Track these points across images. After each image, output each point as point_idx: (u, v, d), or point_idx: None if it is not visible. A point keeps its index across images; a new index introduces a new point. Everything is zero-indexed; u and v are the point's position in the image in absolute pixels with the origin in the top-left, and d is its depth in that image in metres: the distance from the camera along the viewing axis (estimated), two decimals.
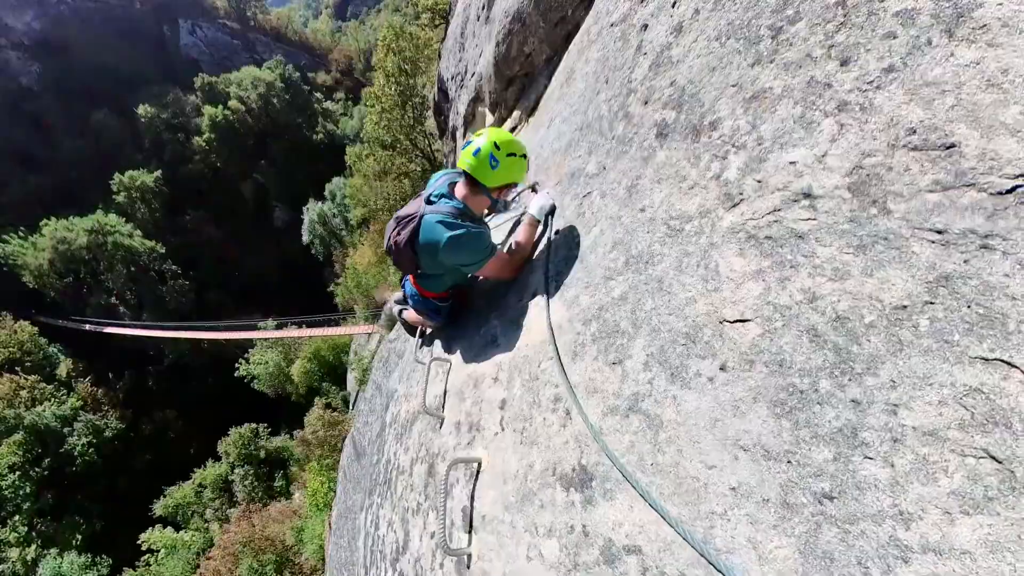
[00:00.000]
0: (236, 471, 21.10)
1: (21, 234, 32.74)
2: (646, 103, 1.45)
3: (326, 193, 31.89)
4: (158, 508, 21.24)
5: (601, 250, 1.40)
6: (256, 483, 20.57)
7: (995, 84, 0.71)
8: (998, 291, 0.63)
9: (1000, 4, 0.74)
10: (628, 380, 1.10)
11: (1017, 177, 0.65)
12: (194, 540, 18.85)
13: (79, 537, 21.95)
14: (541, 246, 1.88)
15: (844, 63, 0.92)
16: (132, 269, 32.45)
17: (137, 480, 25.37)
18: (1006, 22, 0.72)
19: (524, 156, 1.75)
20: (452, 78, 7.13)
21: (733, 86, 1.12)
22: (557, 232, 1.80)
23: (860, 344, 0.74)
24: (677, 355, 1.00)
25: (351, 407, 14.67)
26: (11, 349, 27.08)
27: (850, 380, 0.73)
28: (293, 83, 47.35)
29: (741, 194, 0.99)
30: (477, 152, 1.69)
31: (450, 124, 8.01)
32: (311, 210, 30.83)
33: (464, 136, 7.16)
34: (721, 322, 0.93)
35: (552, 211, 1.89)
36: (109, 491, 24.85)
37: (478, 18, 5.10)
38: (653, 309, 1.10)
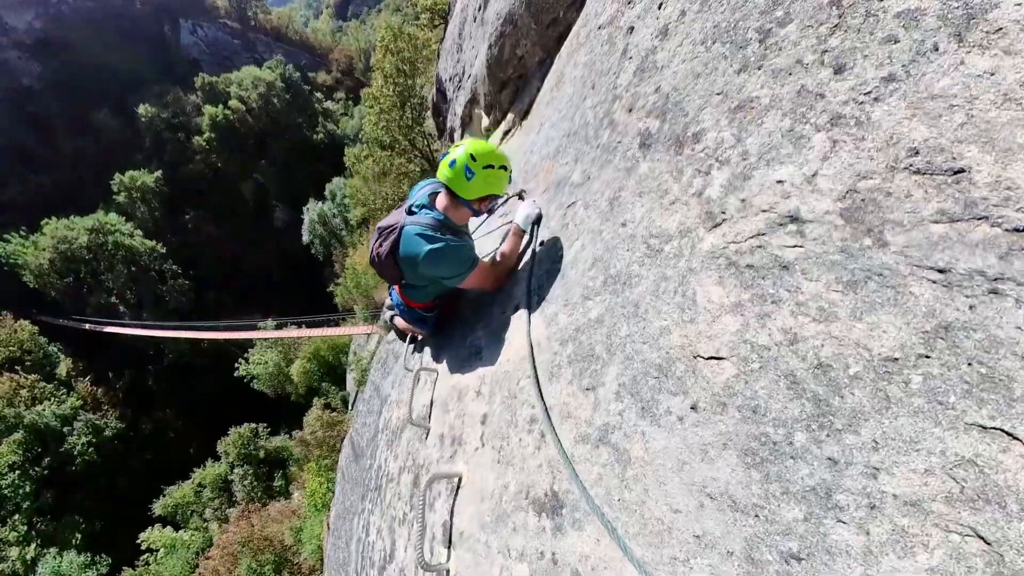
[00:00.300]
0: (235, 471, 21.12)
1: (22, 234, 32.78)
2: (630, 111, 1.38)
3: (326, 193, 31.86)
4: (157, 507, 21.28)
5: (581, 266, 1.34)
6: (255, 483, 20.59)
7: (1013, 99, 0.62)
8: (1006, 348, 0.55)
9: (1019, 4, 0.64)
10: (600, 409, 1.06)
11: None
12: (193, 540, 18.89)
13: (79, 536, 21.99)
14: (527, 257, 1.82)
15: (838, 71, 0.84)
16: (132, 269, 32.47)
17: (137, 479, 25.40)
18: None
19: (504, 168, 1.69)
20: (450, 79, 7.07)
21: (718, 94, 1.05)
22: (542, 243, 1.75)
23: (842, 397, 0.67)
24: (649, 388, 0.94)
25: (350, 407, 14.67)
26: (11, 348, 27.12)
27: (828, 436, 0.67)
28: (293, 83, 47.37)
29: (723, 213, 0.92)
30: (453, 164, 1.64)
31: (448, 125, 7.96)
32: (311, 210, 30.80)
33: (462, 137, 7.11)
34: (695, 357, 0.86)
35: (538, 221, 1.83)
36: (109, 490, 24.89)
37: (474, 19, 5.04)
38: (628, 336, 1.04)
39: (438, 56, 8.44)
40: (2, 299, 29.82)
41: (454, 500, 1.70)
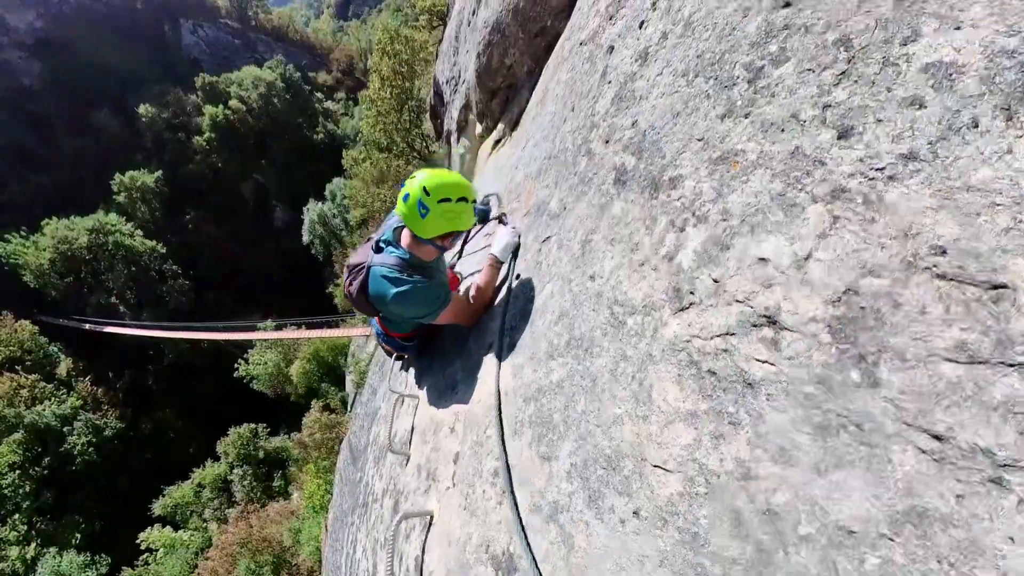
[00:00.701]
0: (235, 471, 21.13)
1: (22, 234, 32.81)
2: (607, 142, 1.28)
3: (326, 193, 31.78)
4: (157, 507, 21.32)
5: (549, 317, 1.25)
6: (255, 483, 20.61)
7: None
8: (986, 558, 0.43)
9: None
10: (552, 484, 0.99)
11: None
12: (192, 540, 18.94)
13: (78, 536, 22.04)
14: (503, 292, 1.73)
15: (844, 135, 0.67)
16: (132, 269, 32.48)
17: (136, 479, 25.44)
18: None
19: (463, 200, 1.52)
20: (447, 82, 6.99)
21: (699, 140, 0.93)
22: (518, 276, 1.66)
23: (787, 553, 0.57)
24: (597, 479, 0.87)
25: (349, 408, 14.64)
26: (12, 348, 27.17)
27: None
28: (294, 83, 47.30)
29: (692, 294, 0.80)
30: (406, 198, 1.50)
31: (445, 128, 7.88)
32: (311, 210, 30.73)
33: (458, 141, 7.02)
34: (643, 460, 0.77)
35: (516, 251, 1.74)
36: (108, 490, 24.95)
37: (468, 23, 4.94)
38: (584, 413, 0.96)
39: (436, 58, 8.34)
40: (2, 299, 29.86)
41: (426, 536, 1.69)
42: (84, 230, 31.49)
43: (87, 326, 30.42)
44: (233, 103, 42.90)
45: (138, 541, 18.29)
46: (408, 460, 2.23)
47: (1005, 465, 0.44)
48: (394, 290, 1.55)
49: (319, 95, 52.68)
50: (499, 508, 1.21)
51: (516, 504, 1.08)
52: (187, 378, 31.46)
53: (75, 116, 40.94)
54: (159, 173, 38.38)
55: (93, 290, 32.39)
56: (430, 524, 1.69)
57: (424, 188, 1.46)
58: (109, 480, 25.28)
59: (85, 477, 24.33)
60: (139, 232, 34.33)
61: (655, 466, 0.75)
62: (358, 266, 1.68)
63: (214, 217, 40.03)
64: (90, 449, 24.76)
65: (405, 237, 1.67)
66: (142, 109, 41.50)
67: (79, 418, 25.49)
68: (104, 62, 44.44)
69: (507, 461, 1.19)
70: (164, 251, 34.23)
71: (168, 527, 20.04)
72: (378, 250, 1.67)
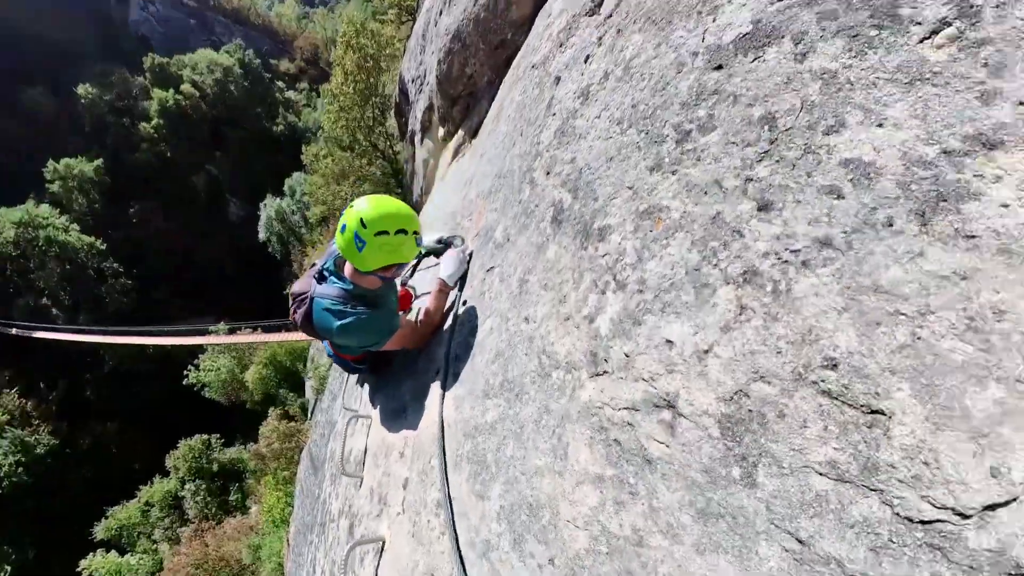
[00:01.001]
0: (187, 486, 19.84)
1: None
2: (548, 174, 1.29)
3: (285, 188, 30.36)
4: (99, 531, 19.70)
5: (487, 354, 1.29)
6: (209, 498, 19.44)
7: (978, 331, 0.46)
8: None
9: (1004, 210, 0.47)
10: (484, 522, 1.04)
11: (946, 512, 0.41)
12: (142, 564, 17.67)
13: (8, 569, 20.02)
14: (449, 320, 1.73)
15: (764, 208, 0.69)
16: (67, 267, 29.84)
17: (75, 500, 23.43)
18: (1005, 245, 0.45)
19: (402, 232, 1.45)
20: (413, 80, 6.84)
21: (629, 188, 0.94)
22: (465, 302, 1.65)
23: None
24: (521, 524, 0.92)
25: (309, 416, 14.13)
26: None
27: None
28: (253, 69, 44.89)
29: (607, 362, 0.83)
30: (343, 230, 1.45)
31: (409, 128, 7.73)
32: (268, 206, 29.27)
33: (422, 142, 6.90)
34: (558, 513, 0.83)
35: (464, 277, 1.72)
36: (42, 514, 22.80)
37: (435, 23, 4.85)
38: (512, 458, 1.01)
39: (403, 54, 8.15)
40: None
41: (379, 561, 1.71)
42: (10, 223, 28.58)
43: (13, 331, 27.58)
44: (185, 88, 40.13)
45: (79, 569, 16.87)
46: (362, 482, 2.21)
47: None
48: (337, 323, 1.51)
49: (280, 84, 50.28)
50: (442, 538, 1.24)
51: (457, 539, 1.11)
52: (129, 385, 29.20)
53: (2, 94, 36.89)
54: (100, 161, 35.28)
55: (21, 291, 29.44)
56: (383, 549, 1.69)
57: (361, 220, 1.41)
58: (41, 502, 23.09)
59: (13, 501, 22.10)
60: (75, 226, 31.51)
61: (567, 521, 0.80)
62: (302, 295, 1.64)
63: (163, 207, 37.26)
64: (19, 470, 22.51)
65: (348, 268, 1.60)
66: (81, 89, 37.89)
67: (5, 435, 23.11)
68: (38, 34, 40.28)
69: (449, 493, 1.21)
70: (104, 247, 31.59)
71: (113, 551, 18.55)
72: (321, 279, 1.60)
